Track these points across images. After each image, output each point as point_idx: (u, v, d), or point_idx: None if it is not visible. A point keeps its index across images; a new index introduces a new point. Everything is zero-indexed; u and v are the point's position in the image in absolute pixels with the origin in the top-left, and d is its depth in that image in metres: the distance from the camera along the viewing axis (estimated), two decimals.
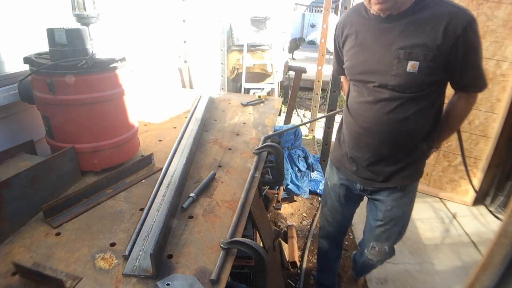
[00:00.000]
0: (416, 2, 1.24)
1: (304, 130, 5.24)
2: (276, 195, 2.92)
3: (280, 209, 3.00)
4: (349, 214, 1.85)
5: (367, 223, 1.73)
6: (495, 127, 2.89)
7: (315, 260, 2.53)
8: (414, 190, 1.57)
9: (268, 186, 2.78)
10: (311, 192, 3.42)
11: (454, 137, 1.74)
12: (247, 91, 4.88)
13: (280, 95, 5.67)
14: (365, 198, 1.71)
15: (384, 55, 1.31)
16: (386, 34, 1.30)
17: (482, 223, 2.96)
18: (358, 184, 1.59)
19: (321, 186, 3.45)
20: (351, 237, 2.80)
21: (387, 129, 1.39)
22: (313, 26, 14.92)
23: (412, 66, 1.25)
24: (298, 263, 2.40)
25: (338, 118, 5.86)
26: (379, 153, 1.46)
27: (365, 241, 1.77)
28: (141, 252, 1.00)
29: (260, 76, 5.09)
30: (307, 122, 5.45)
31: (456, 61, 1.25)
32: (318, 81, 4.88)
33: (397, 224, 1.60)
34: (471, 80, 1.32)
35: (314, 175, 3.58)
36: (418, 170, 1.52)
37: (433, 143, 1.50)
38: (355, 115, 1.48)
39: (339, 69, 1.63)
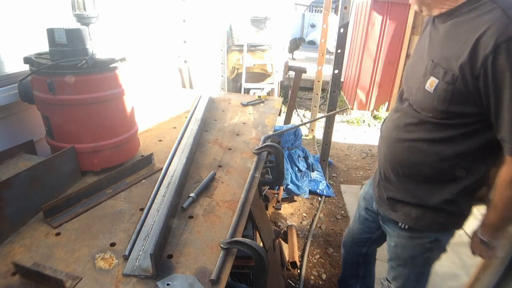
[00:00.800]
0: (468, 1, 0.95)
1: (304, 130, 5.24)
2: (276, 195, 2.92)
3: (280, 209, 3.00)
4: (366, 233, 1.63)
5: None
6: None
7: (315, 260, 2.54)
8: (434, 241, 1.27)
9: (268, 186, 2.78)
10: (311, 192, 3.43)
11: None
12: (247, 91, 4.88)
13: (280, 95, 5.67)
14: None
15: (418, 63, 1.11)
16: (431, 38, 1.09)
17: None
18: (374, 203, 1.43)
19: (321, 186, 3.46)
20: None
21: (391, 145, 1.22)
22: (313, 26, 14.94)
23: (430, 83, 1.01)
24: (298, 263, 2.40)
25: (338, 118, 5.87)
26: (384, 169, 1.29)
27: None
28: (141, 252, 1.00)
29: (260, 76, 5.10)
30: (307, 122, 5.45)
31: (488, 94, 0.90)
32: (318, 81, 4.88)
33: (404, 267, 1.34)
34: (507, 131, 0.91)
35: (314, 175, 3.58)
36: (434, 217, 1.21)
37: (469, 199, 1.21)
38: (385, 121, 1.35)
39: None
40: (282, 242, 2.49)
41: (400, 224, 1.27)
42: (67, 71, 1.24)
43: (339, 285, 2.06)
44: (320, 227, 2.95)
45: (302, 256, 2.53)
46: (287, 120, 4.70)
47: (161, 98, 2.61)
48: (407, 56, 3.21)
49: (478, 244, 1.21)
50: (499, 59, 0.84)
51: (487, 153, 1.08)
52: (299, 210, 3.19)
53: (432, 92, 1.01)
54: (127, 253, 1.00)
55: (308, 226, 2.95)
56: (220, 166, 1.59)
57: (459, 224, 1.26)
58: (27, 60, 1.32)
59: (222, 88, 4.62)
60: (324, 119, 4.08)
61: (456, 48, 0.94)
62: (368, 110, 6.16)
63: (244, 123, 2.14)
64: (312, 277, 2.38)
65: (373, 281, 1.90)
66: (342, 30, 3.12)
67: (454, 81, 0.94)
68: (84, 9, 1.40)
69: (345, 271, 1.94)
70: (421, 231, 1.25)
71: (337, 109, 4.57)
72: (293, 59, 11.03)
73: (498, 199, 1.08)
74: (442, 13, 1.01)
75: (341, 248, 1.89)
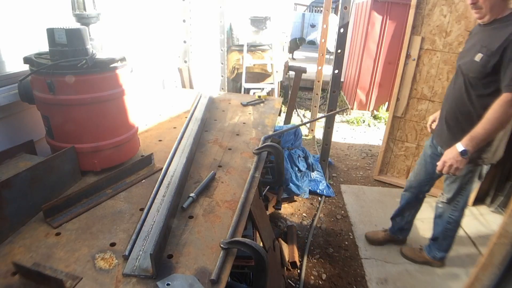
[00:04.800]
0: (507, 16, 1.64)
1: (304, 130, 5.24)
2: (276, 195, 2.92)
3: (280, 209, 2.99)
4: (427, 173, 2.25)
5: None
6: None
7: (315, 260, 2.54)
8: (470, 171, 1.93)
9: (268, 186, 2.78)
10: (311, 192, 3.43)
11: None
12: (247, 91, 4.88)
13: (280, 95, 5.67)
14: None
15: (470, 48, 1.79)
16: (479, 35, 1.78)
17: (482, 223, 2.96)
18: (439, 147, 2.07)
19: (321, 186, 3.46)
20: (351, 237, 2.80)
21: (453, 101, 1.91)
22: (313, 26, 14.94)
23: (478, 57, 1.68)
24: (298, 263, 2.40)
25: (338, 118, 5.87)
26: (448, 118, 1.96)
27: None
28: (141, 252, 1.00)
29: (260, 76, 5.10)
30: (307, 122, 5.45)
31: (503, 60, 1.57)
32: (318, 81, 4.88)
33: (454, 183, 2.04)
34: (509, 79, 1.55)
35: (314, 175, 3.58)
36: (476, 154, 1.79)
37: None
38: (448, 88, 2.03)
39: None
40: (282, 242, 2.49)
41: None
42: (67, 71, 1.24)
43: (394, 218, 2.59)
44: (320, 227, 2.95)
45: (302, 256, 2.53)
46: (287, 120, 4.69)
47: (161, 98, 2.61)
48: (407, 56, 3.22)
49: (456, 154, 1.71)
50: None
51: None
52: (299, 210, 3.19)
53: (478, 61, 1.67)
54: (127, 253, 1.00)
55: (308, 226, 2.94)
56: (220, 166, 1.59)
57: (488, 159, 1.88)
58: (27, 60, 1.32)
59: (222, 88, 4.62)
60: (324, 119, 4.08)
61: (496, 39, 1.61)
62: (368, 110, 6.16)
63: (244, 123, 2.14)
64: (312, 277, 2.38)
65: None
66: (342, 30, 3.12)
67: (492, 54, 1.62)
68: (84, 9, 1.40)
69: (405, 207, 2.48)
70: (469, 162, 1.79)
71: (337, 109, 4.58)
72: (293, 59, 11.03)
73: (492, 113, 1.61)
74: (491, 21, 1.69)
75: (405, 192, 2.47)
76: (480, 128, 1.64)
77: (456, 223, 2.21)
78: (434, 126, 2.15)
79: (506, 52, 1.56)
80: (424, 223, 2.85)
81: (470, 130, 1.70)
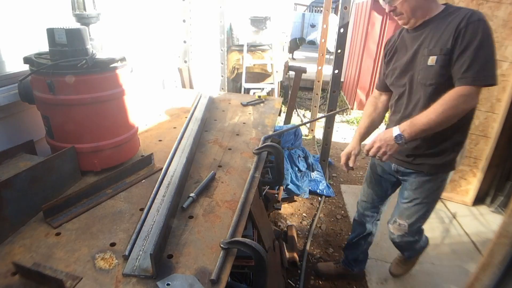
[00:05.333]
0: (442, 11, 1.47)
1: (304, 130, 5.24)
2: (276, 195, 2.91)
3: (280, 209, 2.99)
4: (380, 192, 1.99)
5: (396, 205, 1.91)
6: (495, 127, 2.90)
7: (315, 260, 2.54)
8: (442, 180, 1.68)
9: (268, 186, 2.78)
10: (311, 192, 3.43)
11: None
12: (247, 91, 4.88)
13: (280, 95, 5.67)
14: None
15: (403, 59, 1.58)
16: (407, 41, 1.58)
17: (482, 223, 2.96)
18: (393, 165, 1.78)
19: (321, 186, 3.46)
20: None
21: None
22: (313, 26, 14.93)
23: (431, 60, 1.45)
24: (298, 263, 2.40)
25: (338, 118, 5.87)
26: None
27: (391, 217, 1.92)
28: (141, 252, 1.00)
29: (260, 76, 5.10)
30: (307, 122, 5.45)
31: (454, 52, 1.39)
32: (318, 81, 4.88)
33: (419, 205, 1.74)
34: (462, 70, 1.37)
35: (314, 175, 3.58)
36: (443, 162, 1.62)
37: (459, 146, 1.60)
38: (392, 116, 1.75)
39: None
40: (282, 242, 2.49)
41: (426, 172, 1.64)
42: (67, 71, 1.24)
43: (348, 248, 2.29)
44: (320, 227, 2.95)
45: (302, 256, 2.53)
46: (287, 120, 4.69)
47: (161, 98, 2.61)
48: None
49: (390, 137, 1.44)
50: (470, 29, 1.35)
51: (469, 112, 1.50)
52: (299, 210, 3.19)
53: (434, 64, 1.44)
54: (127, 253, 1.00)
55: (308, 226, 2.94)
56: (220, 166, 1.59)
57: (450, 162, 1.64)
58: (27, 60, 1.32)
59: (222, 88, 4.62)
60: (324, 119, 4.08)
61: (443, 35, 1.42)
62: None
63: (244, 123, 2.14)
64: (312, 277, 2.38)
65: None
66: (342, 30, 3.12)
67: (447, 52, 1.40)
68: (84, 9, 1.40)
69: (358, 233, 2.18)
70: (437, 174, 1.65)
71: (337, 109, 4.57)
72: (293, 59, 11.03)
73: (441, 105, 1.38)
74: (421, 24, 1.50)
75: (356, 213, 2.19)
76: (424, 117, 1.40)
77: (425, 244, 2.06)
78: (352, 163, 1.70)
79: (457, 42, 1.37)
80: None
81: (432, 142, 1.55)
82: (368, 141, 1.59)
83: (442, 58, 1.42)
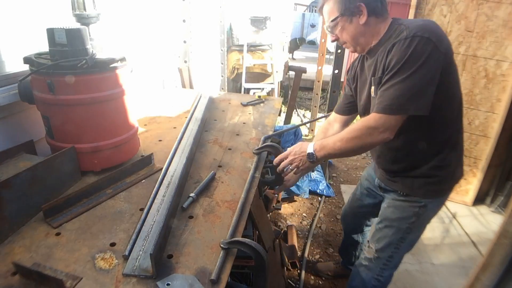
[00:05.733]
0: (386, 32, 1.29)
1: (304, 130, 5.24)
2: (276, 195, 2.91)
3: (280, 209, 3.00)
4: (367, 207, 1.84)
5: None
6: (495, 127, 2.89)
7: (315, 260, 2.54)
8: (420, 207, 1.42)
9: (268, 186, 2.78)
10: (311, 192, 3.42)
11: None
12: (247, 91, 4.88)
13: (280, 95, 5.67)
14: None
15: (362, 85, 1.46)
16: (364, 67, 1.45)
17: (482, 223, 2.96)
18: (377, 179, 1.64)
19: (321, 186, 3.46)
20: None
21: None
22: (313, 26, 14.91)
23: (372, 90, 1.33)
24: (298, 263, 2.40)
25: None
26: (380, 153, 1.54)
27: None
28: (141, 252, 1.00)
29: (260, 76, 5.10)
30: (307, 122, 5.45)
31: (384, 72, 1.24)
32: (318, 81, 4.88)
33: (390, 228, 1.50)
34: (378, 96, 1.23)
35: (314, 175, 3.58)
36: (420, 185, 1.42)
37: (441, 171, 1.37)
38: None
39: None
40: (282, 242, 2.49)
41: (399, 192, 1.47)
42: (67, 71, 1.24)
43: (341, 254, 2.31)
44: (320, 227, 2.95)
45: (302, 256, 2.53)
46: (287, 120, 4.69)
47: (161, 98, 2.61)
48: None
49: (304, 151, 1.37)
50: (395, 50, 1.19)
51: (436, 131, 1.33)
52: (299, 210, 3.19)
53: (375, 96, 1.29)
54: (127, 253, 1.00)
55: (308, 226, 2.94)
56: (220, 166, 1.59)
57: (447, 190, 1.44)
58: (27, 60, 1.32)
59: (222, 88, 4.62)
60: (324, 119, 4.07)
61: (380, 60, 1.27)
62: None
63: (244, 123, 2.14)
64: (312, 277, 2.38)
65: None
66: None
67: (381, 80, 1.25)
68: (84, 9, 1.40)
69: (346, 241, 2.15)
70: (415, 196, 1.43)
71: None
72: (293, 59, 11.02)
73: (346, 133, 1.28)
74: (371, 49, 1.35)
75: (342, 223, 2.15)
76: (332, 142, 1.31)
77: (384, 285, 1.64)
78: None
79: (386, 66, 1.23)
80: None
81: (408, 163, 1.41)
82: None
83: (376, 88, 1.28)
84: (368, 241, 1.62)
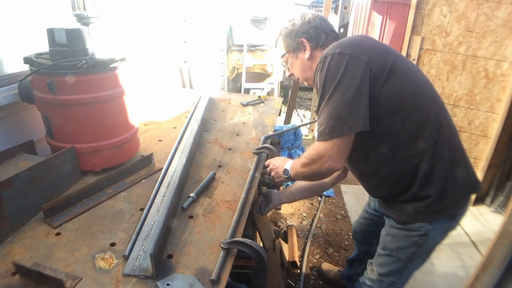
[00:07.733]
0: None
1: (304, 130, 5.24)
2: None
3: (280, 209, 2.99)
4: (375, 227, 1.66)
5: None
6: (495, 127, 2.89)
7: (315, 260, 2.54)
8: (420, 235, 1.28)
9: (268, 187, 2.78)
10: None
11: None
12: (247, 91, 4.88)
13: (280, 95, 5.67)
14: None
15: None
16: None
17: (482, 223, 2.96)
18: (376, 202, 1.62)
19: None
20: (351, 237, 2.79)
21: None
22: None
23: None
24: (298, 263, 2.40)
25: None
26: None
27: None
28: (141, 252, 1.00)
29: (260, 76, 5.10)
30: (308, 123, 5.44)
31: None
32: None
33: (389, 257, 1.39)
34: (317, 126, 1.19)
35: None
36: (416, 211, 1.27)
37: (425, 190, 1.22)
38: None
39: None
40: (282, 242, 2.49)
41: (395, 219, 1.34)
42: (67, 71, 1.24)
43: (347, 263, 2.20)
44: (320, 227, 2.94)
45: (302, 256, 2.53)
46: (287, 120, 4.69)
47: (161, 98, 2.61)
48: (407, 56, 3.22)
49: (282, 166, 1.41)
50: (316, 74, 1.18)
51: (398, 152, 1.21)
52: (299, 210, 3.19)
53: None
54: (127, 253, 1.00)
55: (308, 226, 2.94)
56: (220, 166, 1.59)
57: (450, 208, 1.26)
58: (27, 60, 1.32)
59: (222, 88, 4.62)
60: None
61: None
62: None
63: (244, 123, 2.14)
64: (312, 277, 2.38)
65: None
66: (342, 30, 3.13)
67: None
68: (84, 9, 1.40)
69: (356, 255, 2.09)
70: (413, 223, 1.29)
71: None
72: None
73: (303, 157, 1.26)
74: None
75: (353, 237, 2.07)
76: (296, 164, 1.32)
77: None
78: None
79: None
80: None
81: (396, 190, 1.28)
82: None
83: None
84: (371, 262, 1.52)
